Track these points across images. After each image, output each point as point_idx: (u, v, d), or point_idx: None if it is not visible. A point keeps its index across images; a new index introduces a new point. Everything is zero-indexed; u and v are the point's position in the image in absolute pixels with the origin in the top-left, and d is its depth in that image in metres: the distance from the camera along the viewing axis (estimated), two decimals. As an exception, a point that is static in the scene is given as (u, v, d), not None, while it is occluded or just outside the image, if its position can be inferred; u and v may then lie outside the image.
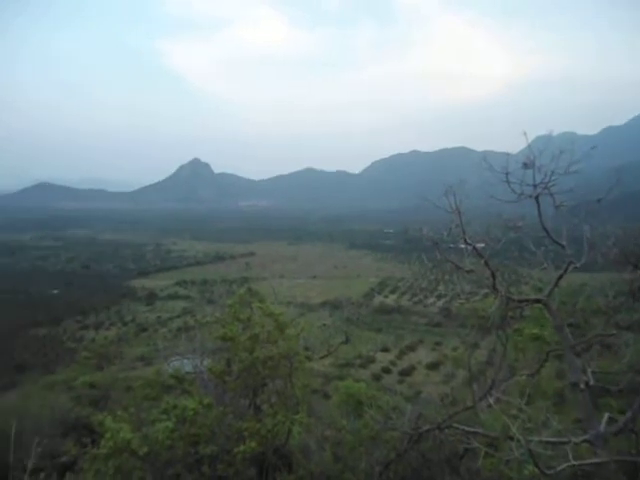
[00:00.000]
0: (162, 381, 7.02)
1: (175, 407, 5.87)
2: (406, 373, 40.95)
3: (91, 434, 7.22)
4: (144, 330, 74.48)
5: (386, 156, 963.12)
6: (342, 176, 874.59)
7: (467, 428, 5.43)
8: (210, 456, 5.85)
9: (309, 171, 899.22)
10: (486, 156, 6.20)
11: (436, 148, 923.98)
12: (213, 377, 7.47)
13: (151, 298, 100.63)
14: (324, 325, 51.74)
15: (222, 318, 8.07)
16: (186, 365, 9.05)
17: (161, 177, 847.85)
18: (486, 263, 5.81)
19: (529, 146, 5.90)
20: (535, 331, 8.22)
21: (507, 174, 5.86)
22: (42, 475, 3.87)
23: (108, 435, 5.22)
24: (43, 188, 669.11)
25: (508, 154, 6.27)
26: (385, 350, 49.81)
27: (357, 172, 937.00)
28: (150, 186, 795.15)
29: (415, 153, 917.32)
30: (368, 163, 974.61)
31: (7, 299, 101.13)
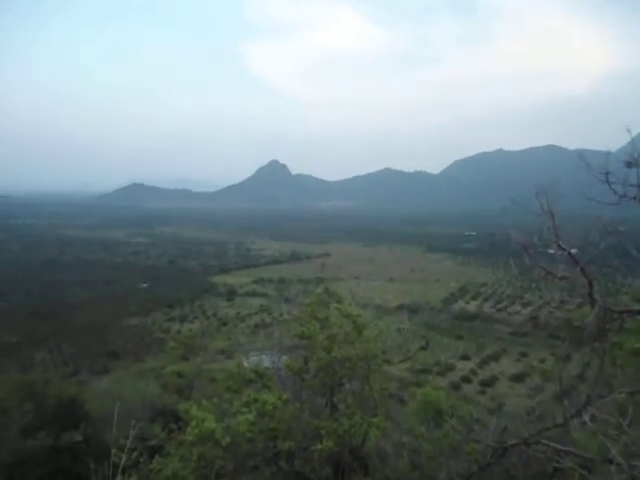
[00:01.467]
0: (243, 375, 7.26)
1: (255, 401, 6.06)
2: (488, 384, 39.15)
3: (177, 421, 7.62)
4: (224, 325, 77.79)
5: (468, 155, 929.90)
6: (421, 176, 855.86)
7: (558, 446, 5.05)
8: (288, 451, 5.96)
9: (387, 171, 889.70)
10: (581, 154, 5.68)
11: (523, 147, 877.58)
12: (290, 374, 7.60)
13: (231, 294, 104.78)
14: (401, 329, 50.98)
15: (300, 317, 8.19)
16: (264, 360, 9.29)
17: (242, 178, 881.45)
18: (582, 270, 5.36)
19: (632, 142, 5.34)
20: (637, 345, 7.50)
21: (607, 174, 5.35)
22: (135, 454, 4.11)
23: (194, 423, 5.49)
24: (135, 188, 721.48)
25: (609, 152, 5.70)
26: (465, 358, 48.00)
27: (437, 172, 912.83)
28: (231, 187, 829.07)
29: (500, 152, 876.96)
30: (449, 163, 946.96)
31: (103, 291, 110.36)
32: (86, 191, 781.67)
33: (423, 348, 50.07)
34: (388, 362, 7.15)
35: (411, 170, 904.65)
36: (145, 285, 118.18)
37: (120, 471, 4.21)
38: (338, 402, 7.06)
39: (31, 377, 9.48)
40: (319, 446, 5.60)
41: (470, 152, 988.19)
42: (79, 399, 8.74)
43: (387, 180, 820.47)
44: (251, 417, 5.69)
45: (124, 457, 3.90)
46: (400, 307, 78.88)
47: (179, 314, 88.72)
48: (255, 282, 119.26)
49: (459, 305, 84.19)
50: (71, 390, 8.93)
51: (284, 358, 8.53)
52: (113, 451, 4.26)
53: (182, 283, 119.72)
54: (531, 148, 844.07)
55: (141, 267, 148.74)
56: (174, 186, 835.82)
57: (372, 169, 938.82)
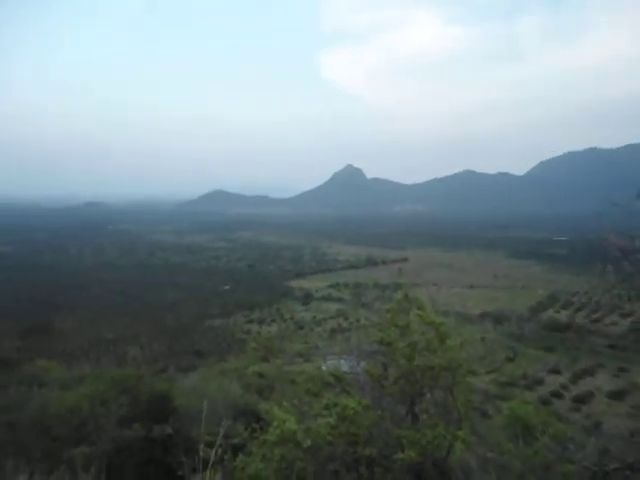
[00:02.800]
0: (322, 378, 7.29)
1: (336, 405, 6.04)
2: (582, 400, 36.16)
3: (258, 420, 7.80)
4: (301, 328, 79.06)
5: (556, 155, 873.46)
6: (504, 178, 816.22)
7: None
8: (368, 458, 5.89)
9: (467, 173, 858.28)
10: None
11: (620, 144, 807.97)
12: (370, 380, 7.51)
13: (307, 298, 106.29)
14: (484, 338, 48.78)
15: (379, 322, 8.08)
16: (342, 365, 9.28)
17: (318, 183, 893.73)
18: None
19: None
20: None
21: None
22: (220, 451, 4.27)
23: (275, 424, 5.58)
24: (217, 195, 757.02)
25: None
26: (555, 372, 44.73)
27: (521, 174, 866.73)
28: (308, 192, 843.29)
29: (593, 151, 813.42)
30: (534, 163, 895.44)
31: (188, 292, 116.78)
32: (173, 198, 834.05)
33: (510, 359, 47.44)
34: (473, 373, 6.84)
35: (493, 172, 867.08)
36: (226, 288, 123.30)
37: (208, 466, 4.38)
38: (420, 412, 6.86)
39: (126, 372, 10.19)
40: (401, 455, 5.47)
41: (557, 152, 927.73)
42: (169, 394, 9.25)
43: (467, 183, 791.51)
44: (332, 421, 5.69)
45: (212, 453, 4.06)
46: (482, 315, 75.65)
47: (258, 317, 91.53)
48: (331, 287, 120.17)
49: (548, 314, 79.03)
50: (162, 386, 9.48)
51: (362, 363, 8.46)
52: (201, 447, 4.44)
53: (260, 287, 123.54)
54: (629, 145, 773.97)
55: (222, 271, 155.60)
56: (253, 193, 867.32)
57: (451, 171, 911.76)
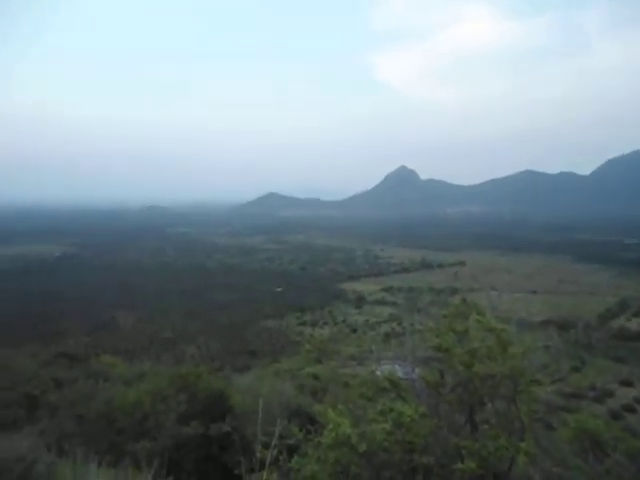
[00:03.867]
0: (377, 382, 7.17)
1: (391, 410, 5.92)
2: (658, 415, 33.47)
3: (311, 422, 7.78)
4: (354, 331, 78.76)
5: (624, 153, 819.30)
6: (568, 178, 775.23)
7: None
8: (425, 467, 5.72)
9: (528, 173, 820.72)
10: None
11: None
12: (426, 387, 7.31)
13: (360, 302, 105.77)
14: (548, 347, 46.44)
15: (435, 327, 7.87)
16: (397, 370, 9.11)
17: (370, 185, 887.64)
18: None
19: None
20: None
21: None
22: (275, 451, 4.27)
23: (330, 427, 5.53)
24: (270, 198, 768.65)
25: None
26: (627, 384, 41.57)
27: (587, 173, 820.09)
28: (360, 194, 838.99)
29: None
30: (601, 162, 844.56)
31: (243, 293, 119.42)
32: (229, 201, 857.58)
33: (576, 369, 44.83)
34: (537, 382, 6.43)
35: (556, 171, 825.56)
36: (279, 290, 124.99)
37: (263, 466, 4.39)
38: (480, 421, 6.59)
39: (185, 370, 10.49)
40: (460, 465, 5.27)
41: (625, 150, 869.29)
42: (225, 393, 9.43)
43: (528, 183, 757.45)
44: (387, 427, 5.57)
45: (269, 453, 4.07)
46: (546, 322, 72.14)
47: (310, 319, 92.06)
48: (384, 290, 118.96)
49: (618, 322, 74.28)
50: (219, 384, 9.69)
51: (418, 370, 8.26)
52: (259, 447, 4.46)
53: (312, 289, 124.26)
54: None
55: (275, 272, 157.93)
56: (305, 195, 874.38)
57: (511, 171, 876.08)
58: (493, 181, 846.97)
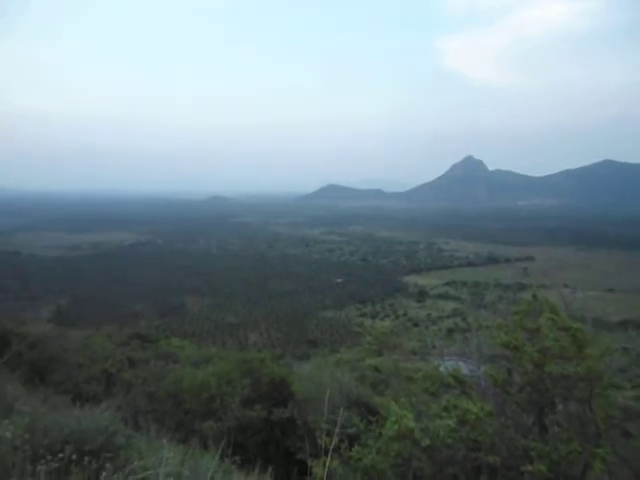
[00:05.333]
0: (441, 378, 7.01)
1: (456, 407, 5.78)
2: None
3: (371, 413, 7.76)
4: (416, 325, 77.79)
5: None
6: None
7: None
8: (490, 467, 5.54)
9: (607, 163, 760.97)
10: None
11: None
12: (493, 385, 7.06)
13: (422, 295, 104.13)
14: (626, 349, 43.42)
15: (504, 324, 7.57)
16: (462, 367, 8.86)
17: (434, 176, 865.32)
18: None
19: None
20: None
21: None
22: (336, 439, 4.27)
23: (393, 419, 5.49)
24: (331, 189, 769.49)
25: None
26: None
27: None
28: (423, 185, 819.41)
29: None
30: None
31: (303, 283, 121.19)
32: (291, 192, 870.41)
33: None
34: (616, 386, 6.00)
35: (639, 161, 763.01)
36: (339, 280, 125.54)
37: (325, 453, 4.43)
38: (550, 423, 6.28)
39: (249, 355, 10.81)
40: (529, 467, 5.05)
41: None
42: (287, 380, 9.61)
43: (606, 174, 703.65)
44: (451, 423, 5.44)
45: (331, 441, 4.09)
46: (624, 323, 67.50)
47: (370, 311, 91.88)
48: (447, 284, 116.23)
49: None
50: (281, 371, 9.88)
51: (483, 367, 8.00)
52: (323, 434, 4.50)
53: (373, 281, 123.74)
54: None
55: (335, 263, 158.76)
56: (367, 186, 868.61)
57: (587, 161, 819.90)
58: (567, 172, 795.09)
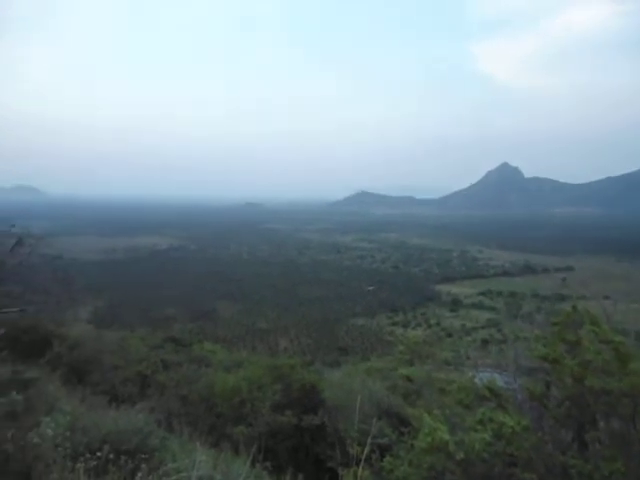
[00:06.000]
0: (476, 390, 6.84)
1: (491, 420, 5.62)
2: None
3: (402, 423, 7.64)
4: (449, 335, 76.47)
5: None
6: None
7: None
8: (528, 484, 5.35)
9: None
10: None
11: None
12: (529, 398, 6.85)
13: (455, 305, 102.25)
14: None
15: (543, 336, 7.34)
16: (497, 379, 8.64)
17: (468, 183, 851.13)
18: None
19: None
20: None
21: None
22: (367, 449, 4.21)
23: (426, 431, 5.38)
24: (362, 196, 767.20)
25: None
26: None
27: None
28: (457, 192, 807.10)
29: None
30: None
31: (334, 290, 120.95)
32: (322, 199, 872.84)
33: None
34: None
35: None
36: (370, 288, 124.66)
37: (356, 462, 4.38)
38: (591, 440, 6.03)
39: (280, 361, 10.85)
40: (569, 487, 4.86)
41: None
42: (318, 387, 9.59)
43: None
44: (487, 437, 5.29)
45: (362, 451, 4.04)
46: (669, 336, 64.35)
47: (402, 319, 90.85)
48: (482, 294, 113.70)
49: None
50: (311, 377, 9.87)
51: (520, 380, 7.78)
52: (354, 443, 4.46)
53: (405, 289, 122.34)
54: None
55: (367, 270, 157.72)
56: (398, 193, 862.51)
57: (632, 168, 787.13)
58: (609, 179, 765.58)
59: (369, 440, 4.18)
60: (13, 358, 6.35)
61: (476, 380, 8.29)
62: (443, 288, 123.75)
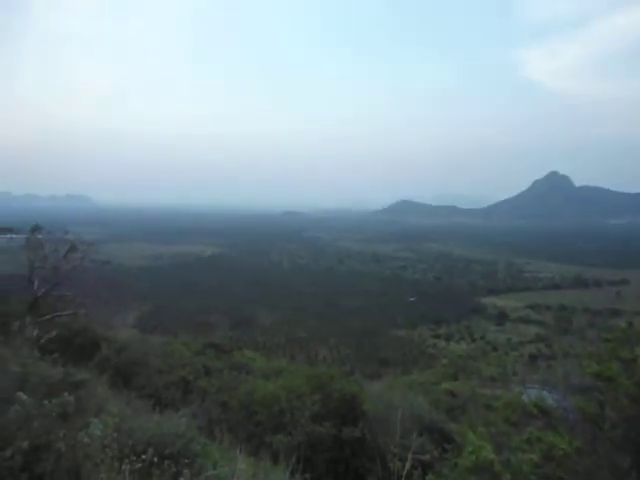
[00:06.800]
0: (524, 407, 6.57)
1: (540, 440, 5.36)
2: None
3: (445, 440, 7.42)
4: (494, 350, 74.20)
5: None
6: None
7: None
8: (580, 510, 5.06)
9: None
10: None
11: None
12: (582, 419, 6.50)
13: (501, 318, 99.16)
14: None
15: (596, 353, 6.99)
16: (546, 397, 8.26)
17: (514, 193, 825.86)
18: None
19: None
20: None
21: None
22: (409, 465, 4.09)
23: (470, 449, 5.20)
24: (403, 205, 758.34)
25: None
26: None
27: None
28: (502, 202, 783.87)
29: None
30: None
31: (373, 300, 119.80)
32: (363, 208, 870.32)
33: None
34: None
35: None
36: (412, 299, 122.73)
37: (396, 478, 4.27)
38: (651, 467, 5.66)
39: (320, 371, 10.79)
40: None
41: None
42: (358, 398, 9.47)
43: None
44: (535, 458, 5.05)
45: (406, 466, 3.94)
46: None
47: (445, 332, 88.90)
48: (529, 307, 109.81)
49: None
50: (351, 388, 9.75)
51: (570, 399, 7.41)
52: (396, 457, 4.36)
53: (448, 301, 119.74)
54: None
55: (408, 281, 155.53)
56: (440, 202, 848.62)
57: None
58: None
59: (410, 456, 4.07)
60: (65, 360, 6.61)
61: (524, 397, 7.96)
62: (488, 301, 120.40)
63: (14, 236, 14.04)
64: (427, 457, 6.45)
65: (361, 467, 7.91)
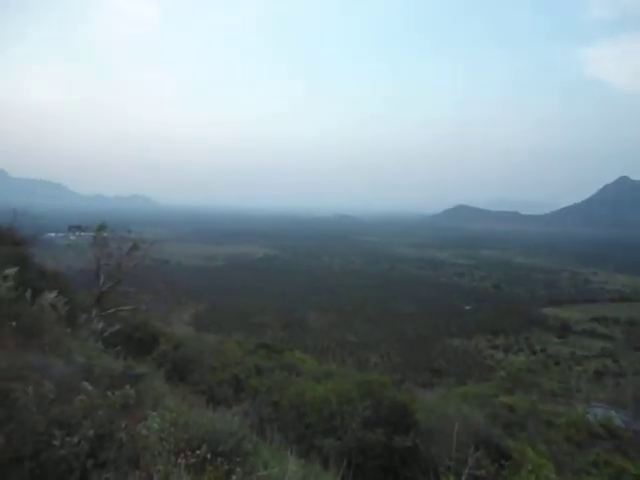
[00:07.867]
0: (589, 427, 6.18)
1: (608, 464, 5.00)
2: None
3: (501, 456, 7.10)
4: (556, 364, 70.64)
5: None
6: None
7: None
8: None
9: None
10: None
11: None
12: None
13: (564, 330, 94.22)
14: None
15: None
16: (614, 417, 7.73)
17: (581, 198, 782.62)
18: None
19: None
20: None
21: None
22: (462, 480, 3.94)
23: (530, 468, 4.94)
24: (460, 210, 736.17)
25: None
26: None
27: None
28: (566, 208, 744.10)
29: None
30: None
31: (427, 307, 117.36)
32: (418, 212, 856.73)
33: None
34: None
35: None
36: (468, 307, 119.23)
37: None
38: None
39: (371, 377, 10.68)
40: None
41: None
42: (410, 407, 9.27)
43: None
44: (602, 483, 4.71)
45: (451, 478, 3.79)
46: None
47: (503, 343, 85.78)
48: (595, 320, 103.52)
49: None
50: (403, 397, 9.58)
51: (641, 420, 6.91)
52: (450, 471, 4.22)
53: (507, 310, 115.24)
54: None
55: (464, 289, 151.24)
56: (500, 208, 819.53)
57: None
58: None
59: (466, 470, 3.91)
60: (125, 353, 6.93)
61: (588, 416, 7.49)
62: (550, 311, 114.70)
63: (83, 234, 14.88)
64: (482, 473, 6.19)
65: (412, 478, 7.74)
